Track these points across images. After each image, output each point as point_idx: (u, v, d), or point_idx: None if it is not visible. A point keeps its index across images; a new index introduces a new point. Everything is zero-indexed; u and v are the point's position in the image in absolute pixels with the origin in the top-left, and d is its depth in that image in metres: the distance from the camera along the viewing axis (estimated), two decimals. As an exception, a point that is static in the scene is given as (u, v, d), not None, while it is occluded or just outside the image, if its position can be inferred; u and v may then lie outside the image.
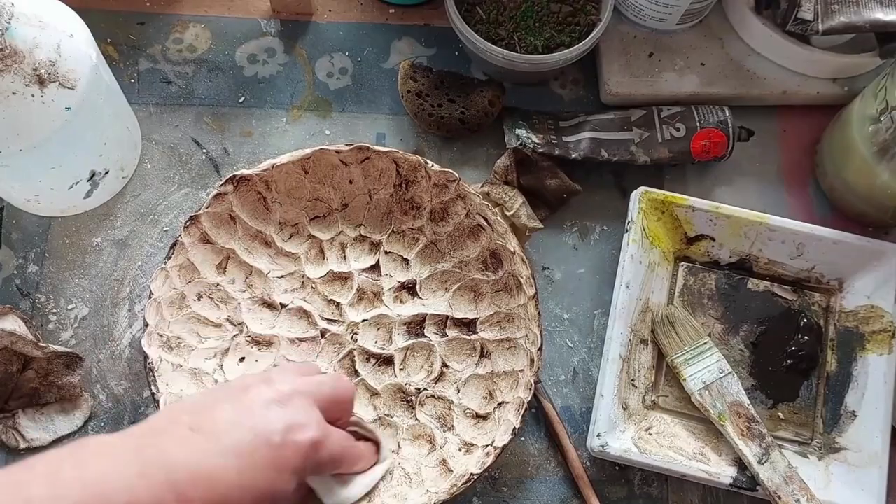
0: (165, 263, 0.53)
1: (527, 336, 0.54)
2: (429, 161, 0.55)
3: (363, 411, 0.54)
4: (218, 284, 0.56)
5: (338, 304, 0.57)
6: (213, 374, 0.54)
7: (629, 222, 0.57)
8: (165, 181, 0.61)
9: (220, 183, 0.55)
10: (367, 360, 0.56)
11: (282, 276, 0.57)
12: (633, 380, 0.55)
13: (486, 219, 0.55)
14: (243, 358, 0.55)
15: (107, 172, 0.58)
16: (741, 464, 0.52)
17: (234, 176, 0.55)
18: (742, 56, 0.65)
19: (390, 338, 0.56)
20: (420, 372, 0.56)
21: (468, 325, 0.56)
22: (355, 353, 0.56)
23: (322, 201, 0.58)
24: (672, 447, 0.53)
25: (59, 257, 0.59)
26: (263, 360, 0.55)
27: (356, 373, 0.55)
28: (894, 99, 0.52)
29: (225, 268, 0.56)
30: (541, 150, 0.59)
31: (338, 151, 0.56)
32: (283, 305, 0.56)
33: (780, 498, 0.50)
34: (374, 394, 0.55)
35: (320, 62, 0.66)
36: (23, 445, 0.53)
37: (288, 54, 0.66)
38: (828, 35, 0.60)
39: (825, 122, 0.63)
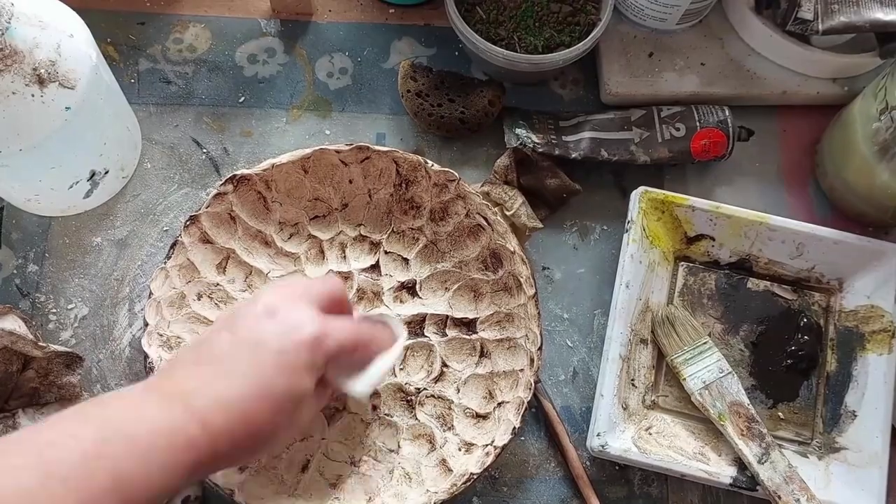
0: (165, 263, 0.53)
1: (527, 336, 0.54)
2: (429, 161, 0.55)
3: (363, 411, 0.54)
4: (218, 284, 0.56)
5: (338, 304, 0.57)
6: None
7: (629, 222, 0.57)
8: (165, 181, 0.61)
9: (220, 183, 0.55)
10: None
11: (282, 276, 0.57)
12: (633, 379, 0.55)
13: (486, 218, 0.55)
14: None
15: (107, 172, 0.58)
16: (741, 463, 0.52)
17: (234, 176, 0.55)
18: (742, 56, 0.65)
19: (390, 337, 0.56)
20: (420, 371, 0.56)
21: (468, 325, 0.56)
22: (355, 352, 0.56)
23: (322, 201, 0.58)
24: (672, 447, 0.53)
25: (59, 257, 0.59)
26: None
27: (356, 372, 0.55)
28: (894, 99, 0.52)
29: (225, 267, 0.56)
30: (541, 150, 0.59)
31: (338, 151, 0.56)
32: (282, 305, 0.56)
33: (780, 498, 0.50)
34: (374, 393, 0.55)
35: (320, 62, 0.66)
36: (23, 445, 0.53)
37: (288, 54, 0.66)
38: (828, 35, 0.60)
39: (825, 122, 0.63)
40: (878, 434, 0.53)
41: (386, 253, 0.58)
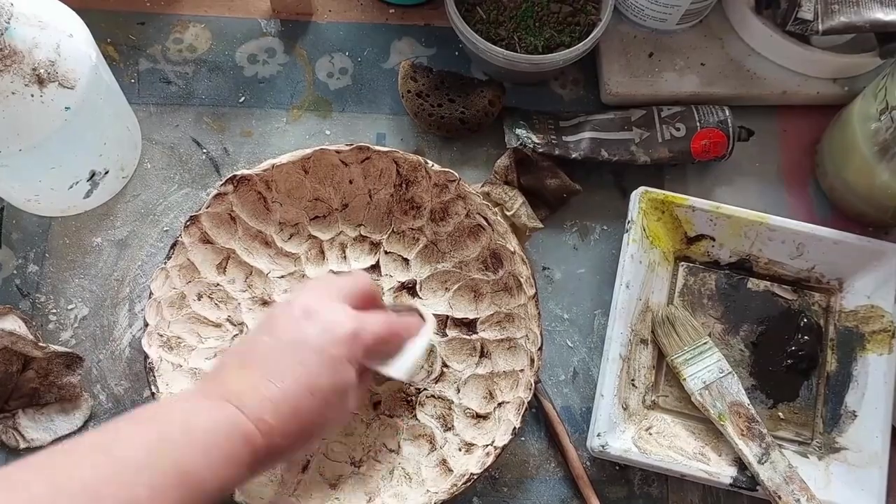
0: (165, 263, 0.53)
1: (527, 336, 0.54)
2: (429, 161, 0.55)
3: (363, 411, 0.54)
4: (218, 284, 0.56)
5: (338, 304, 0.57)
6: (213, 374, 0.54)
7: (629, 222, 0.57)
8: (165, 181, 0.61)
9: (221, 183, 0.55)
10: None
11: (282, 276, 0.57)
12: (633, 380, 0.55)
13: (486, 219, 0.55)
14: None
15: (107, 172, 0.58)
16: (741, 464, 0.52)
17: (235, 176, 0.55)
18: (742, 56, 0.65)
19: (390, 338, 0.56)
20: (420, 372, 0.56)
21: (468, 325, 0.56)
22: (355, 353, 0.56)
23: (322, 201, 0.58)
24: (672, 447, 0.53)
25: (59, 257, 0.59)
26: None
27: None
28: (894, 99, 0.52)
29: (225, 268, 0.56)
30: (541, 150, 0.59)
31: (338, 151, 0.56)
32: (283, 305, 0.56)
33: (780, 498, 0.50)
34: (374, 394, 0.55)
35: (320, 62, 0.66)
36: (23, 445, 0.53)
37: (288, 54, 0.66)
38: (828, 35, 0.60)
39: (825, 122, 0.63)
40: (878, 434, 0.53)
41: (386, 253, 0.58)
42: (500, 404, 0.53)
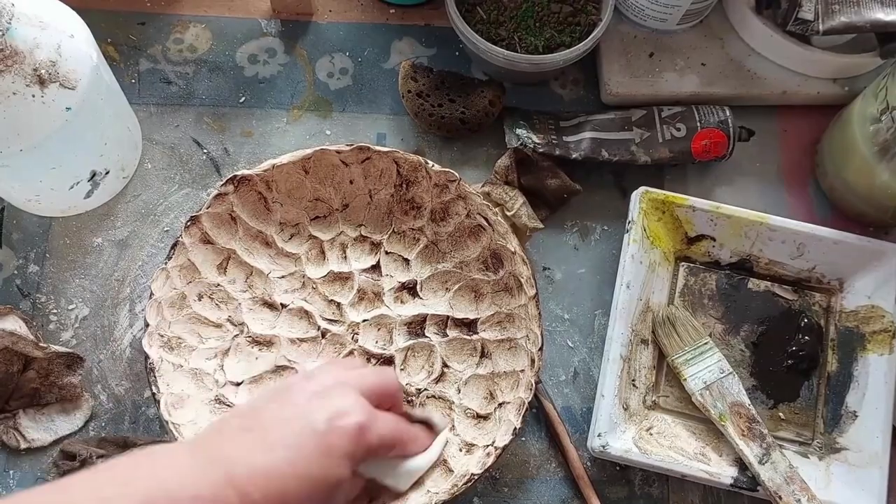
0: (166, 264, 0.53)
1: (527, 336, 0.54)
2: (429, 161, 0.55)
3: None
4: (218, 284, 0.56)
5: (338, 305, 0.57)
6: (213, 374, 0.54)
7: (630, 222, 0.57)
8: (166, 181, 0.61)
9: (221, 183, 0.55)
10: (368, 360, 0.56)
11: (282, 277, 0.57)
12: (633, 380, 0.55)
13: (486, 219, 0.55)
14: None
15: (107, 172, 0.58)
16: (742, 464, 0.52)
17: (235, 176, 0.55)
18: (742, 56, 0.65)
19: (391, 338, 0.56)
20: (421, 372, 0.56)
21: (469, 326, 0.56)
22: (356, 353, 0.56)
23: (322, 201, 0.58)
24: (673, 447, 0.53)
25: (59, 257, 0.59)
26: (264, 361, 0.55)
27: (357, 373, 0.55)
28: (894, 99, 0.52)
29: (225, 268, 0.56)
30: (541, 150, 0.59)
31: (338, 151, 0.56)
32: (283, 306, 0.56)
33: (780, 498, 0.50)
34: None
35: (321, 62, 0.66)
36: (23, 445, 0.53)
37: (288, 54, 0.66)
38: (828, 35, 0.60)
39: (825, 122, 0.63)
40: (879, 434, 0.53)
41: (387, 253, 0.58)
42: (500, 405, 0.53)
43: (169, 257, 0.54)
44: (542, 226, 0.58)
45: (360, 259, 0.58)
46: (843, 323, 0.58)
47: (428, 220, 0.58)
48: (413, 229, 0.58)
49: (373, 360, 0.56)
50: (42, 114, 0.48)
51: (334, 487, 0.38)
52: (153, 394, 0.50)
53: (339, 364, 0.46)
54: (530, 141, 0.60)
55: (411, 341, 0.56)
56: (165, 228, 0.60)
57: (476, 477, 0.49)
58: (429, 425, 0.46)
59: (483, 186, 0.59)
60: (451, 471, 0.51)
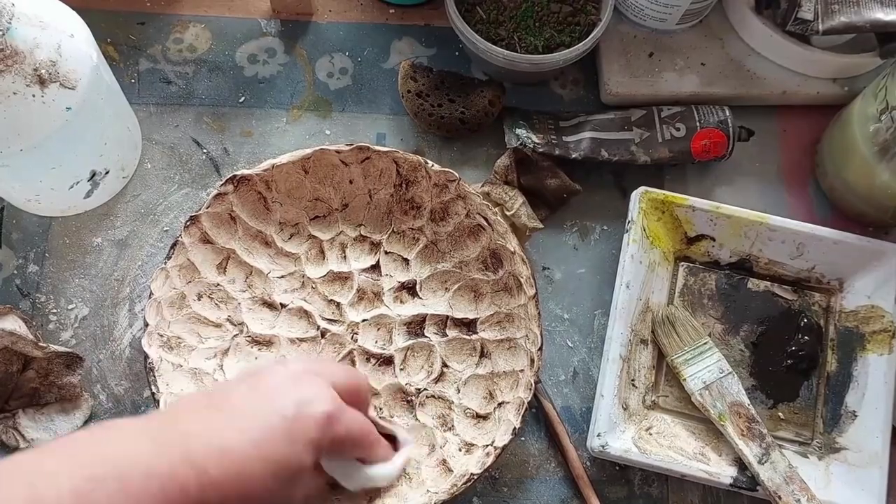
0: (166, 263, 0.53)
1: (527, 336, 0.54)
2: (429, 161, 0.55)
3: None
4: (218, 284, 0.56)
5: (338, 304, 0.57)
6: (213, 374, 0.54)
7: (629, 222, 0.57)
8: (166, 181, 0.61)
9: (221, 183, 0.55)
10: (368, 360, 0.56)
11: (282, 276, 0.57)
12: (633, 380, 0.55)
13: (486, 219, 0.55)
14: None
15: (107, 172, 0.58)
16: (741, 464, 0.52)
17: (235, 176, 0.55)
18: (742, 56, 0.65)
19: (390, 338, 0.56)
20: (420, 372, 0.56)
21: (468, 325, 0.56)
22: (355, 353, 0.56)
23: (322, 201, 0.58)
24: (672, 447, 0.53)
25: (59, 257, 0.59)
26: (263, 360, 0.55)
27: (356, 373, 0.55)
28: (894, 99, 0.52)
29: (225, 268, 0.56)
30: (541, 150, 0.59)
31: (338, 151, 0.56)
32: (283, 305, 0.56)
33: (780, 498, 0.50)
34: (374, 394, 0.55)
35: (320, 62, 0.66)
36: (23, 445, 0.53)
37: (288, 54, 0.66)
38: (828, 35, 0.60)
39: (825, 122, 0.63)
40: (879, 434, 0.53)
41: (386, 253, 0.58)
42: (500, 404, 0.53)
43: (168, 257, 0.54)
44: (541, 226, 0.58)
45: (359, 259, 0.58)
46: (843, 323, 0.58)
47: (427, 220, 0.58)
48: (413, 229, 0.58)
49: (372, 360, 0.56)
50: (42, 114, 0.48)
51: (295, 474, 0.37)
52: (153, 393, 0.50)
53: (310, 358, 0.45)
54: (530, 141, 0.60)
55: (411, 341, 0.56)
56: (165, 228, 0.60)
57: (475, 477, 0.49)
58: (393, 440, 0.46)
59: (483, 186, 0.59)
60: (450, 470, 0.51)
